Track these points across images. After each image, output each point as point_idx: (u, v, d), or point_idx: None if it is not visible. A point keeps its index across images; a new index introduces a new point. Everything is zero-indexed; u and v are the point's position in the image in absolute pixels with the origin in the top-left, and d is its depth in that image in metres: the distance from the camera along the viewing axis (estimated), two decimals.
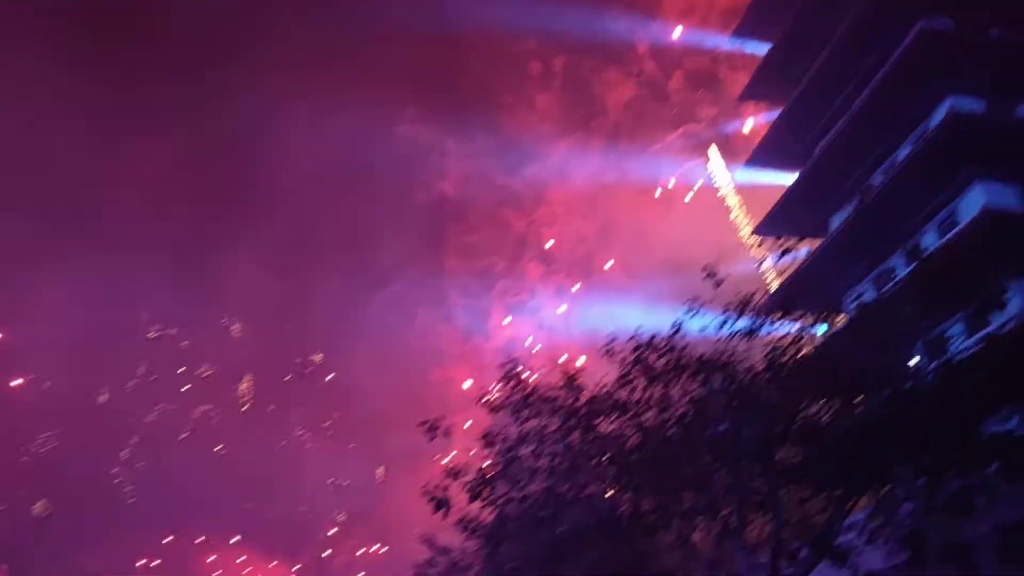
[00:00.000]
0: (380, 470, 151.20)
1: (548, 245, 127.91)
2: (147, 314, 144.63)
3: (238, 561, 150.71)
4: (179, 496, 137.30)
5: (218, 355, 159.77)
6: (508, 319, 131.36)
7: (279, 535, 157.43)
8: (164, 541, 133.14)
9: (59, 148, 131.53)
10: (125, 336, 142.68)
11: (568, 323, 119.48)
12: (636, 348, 15.64)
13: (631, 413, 15.55)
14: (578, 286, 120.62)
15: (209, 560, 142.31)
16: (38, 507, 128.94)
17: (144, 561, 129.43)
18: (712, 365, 15.03)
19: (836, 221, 28.97)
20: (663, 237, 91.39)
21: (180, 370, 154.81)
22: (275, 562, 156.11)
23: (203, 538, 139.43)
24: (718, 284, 15.80)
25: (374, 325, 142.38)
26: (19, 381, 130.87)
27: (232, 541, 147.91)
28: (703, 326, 15.80)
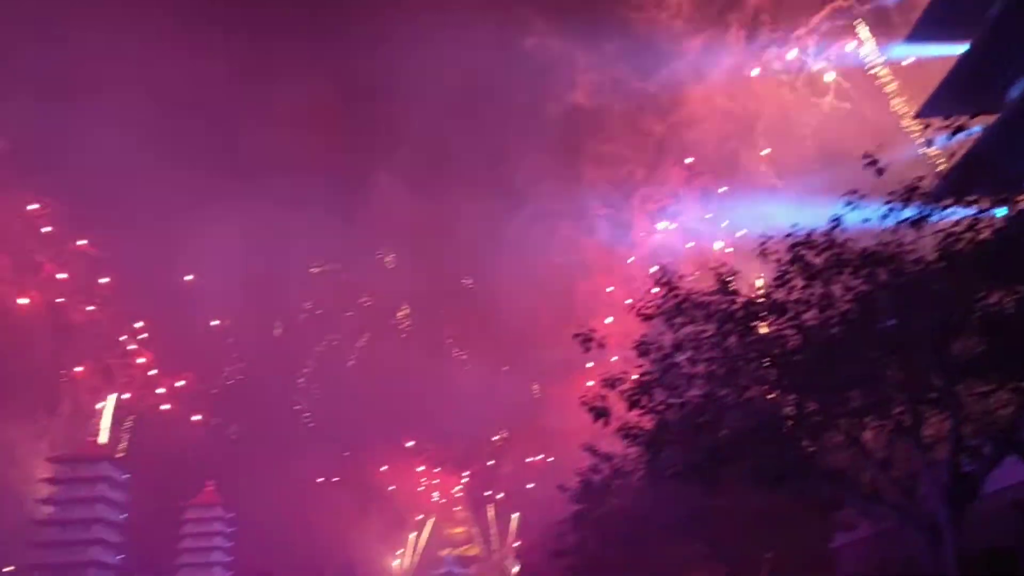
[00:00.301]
0: (536, 387, 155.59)
1: (689, 154, 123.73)
2: (308, 251, 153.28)
3: (413, 472, 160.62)
4: (351, 417, 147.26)
5: (376, 286, 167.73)
6: (654, 226, 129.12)
7: (447, 448, 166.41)
8: (342, 455, 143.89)
9: (213, 98, 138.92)
10: (291, 273, 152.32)
11: (715, 226, 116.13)
12: (792, 247, 15.01)
13: (790, 314, 15.06)
14: (724, 188, 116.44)
15: (382, 469, 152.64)
16: (232, 431, 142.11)
17: (322, 479, 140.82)
18: (877, 258, 14.22)
19: (1015, 92, 26.21)
20: (814, 128, 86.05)
21: (343, 302, 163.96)
22: (442, 472, 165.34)
23: (376, 452, 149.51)
24: (880, 172, 14.80)
25: (517, 242, 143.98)
26: (216, 322, 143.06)
27: (407, 445, 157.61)
28: (865, 218, 14.91)
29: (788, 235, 15.05)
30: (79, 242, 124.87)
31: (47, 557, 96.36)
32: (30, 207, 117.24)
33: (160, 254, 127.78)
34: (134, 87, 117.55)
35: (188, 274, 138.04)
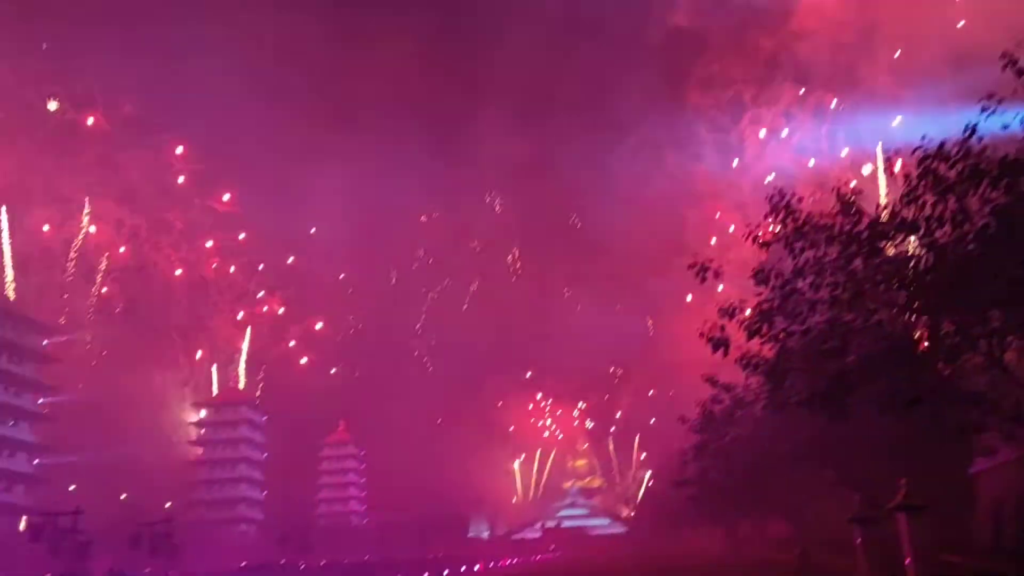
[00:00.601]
0: (650, 321, 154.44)
1: (801, 69, 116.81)
2: (418, 198, 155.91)
3: (531, 407, 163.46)
4: (468, 359, 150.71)
5: (485, 229, 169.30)
6: (765, 148, 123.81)
7: (564, 383, 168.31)
8: (462, 395, 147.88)
9: (316, 50, 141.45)
10: (402, 222, 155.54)
11: (834, 143, 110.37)
12: (922, 160, 14.10)
13: (921, 232, 14.24)
14: (841, 103, 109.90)
15: (500, 405, 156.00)
16: (357, 375, 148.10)
17: (443, 418, 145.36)
18: (1019, 167, 13.18)
19: None
20: (942, 29, 79.61)
21: (454, 248, 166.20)
22: (561, 406, 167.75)
23: (495, 390, 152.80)
24: (1020, 73, 13.60)
25: (623, 175, 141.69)
26: (343, 276, 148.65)
27: (526, 377, 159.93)
28: (1004, 125, 13.79)
29: (917, 148, 14.14)
30: (224, 197, 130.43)
31: (201, 494, 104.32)
32: (176, 150, 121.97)
33: (284, 207, 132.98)
34: (240, 46, 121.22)
35: (311, 227, 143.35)
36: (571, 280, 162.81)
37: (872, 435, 24.76)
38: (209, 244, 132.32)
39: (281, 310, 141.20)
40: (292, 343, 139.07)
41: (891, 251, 14.96)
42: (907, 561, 20.45)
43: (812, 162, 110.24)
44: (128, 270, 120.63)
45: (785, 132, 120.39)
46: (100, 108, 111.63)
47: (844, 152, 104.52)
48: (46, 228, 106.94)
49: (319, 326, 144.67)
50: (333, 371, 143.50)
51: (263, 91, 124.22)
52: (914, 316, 14.81)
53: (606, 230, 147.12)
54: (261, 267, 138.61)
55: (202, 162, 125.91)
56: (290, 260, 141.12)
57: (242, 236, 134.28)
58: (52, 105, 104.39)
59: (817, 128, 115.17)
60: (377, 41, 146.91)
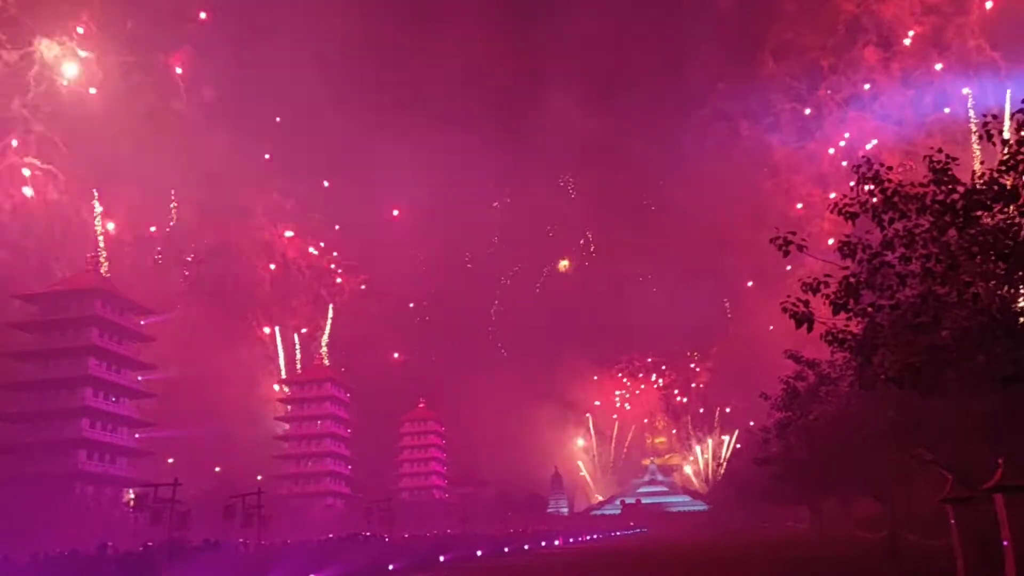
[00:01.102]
0: (726, 301, 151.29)
1: (885, 33, 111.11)
2: (490, 182, 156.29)
3: (609, 385, 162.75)
4: (545, 340, 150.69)
5: (558, 213, 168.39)
6: (847, 117, 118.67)
7: (642, 361, 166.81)
8: (539, 375, 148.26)
9: (381, 36, 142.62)
10: (474, 207, 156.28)
11: (920, 109, 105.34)
12: (1022, 125, 13.39)
13: (1021, 200, 13.55)
14: (937, 66, 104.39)
15: (576, 383, 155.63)
16: (433, 355, 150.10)
17: (519, 395, 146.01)
18: None
19: None
20: None
21: (528, 232, 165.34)
22: (639, 386, 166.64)
23: (571, 368, 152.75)
24: None
25: (697, 147, 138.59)
26: (419, 259, 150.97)
27: (603, 355, 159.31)
28: None
29: (1018, 111, 13.42)
30: (301, 182, 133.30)
31: (288, 468, 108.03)
32: (255, 134, 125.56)
33: (358, 191, 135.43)
34: (312, 32, 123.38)
35: (394, 209, 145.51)
36: (646, 259, 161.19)
37: (967, 413, 23.85)
38: (289, 234, 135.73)
39: (362, 286, 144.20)
40: (371, 322, 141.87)
41: (988, 221, 14.29)
42: (1005, 544, 19.71)
43: (894, 130, 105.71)
44: (213, 252, 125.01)
45: (867, 100, 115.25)
46: (182, 94, 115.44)
47: (932, 118, 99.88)
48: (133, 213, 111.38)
49: (393, 306, 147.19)
50: (408, 347, 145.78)
51: (335, 77, 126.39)
52: (1013, 288, 14.14)
53: (680, 208, 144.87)
54: (335, 254, 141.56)
55: (280, 147, 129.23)
56: (373, 242, 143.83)
57: (335, 228, 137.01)
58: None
59: (902, 94, 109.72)
60: (444, 23, 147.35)
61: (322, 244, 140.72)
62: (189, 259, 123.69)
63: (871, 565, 30.22)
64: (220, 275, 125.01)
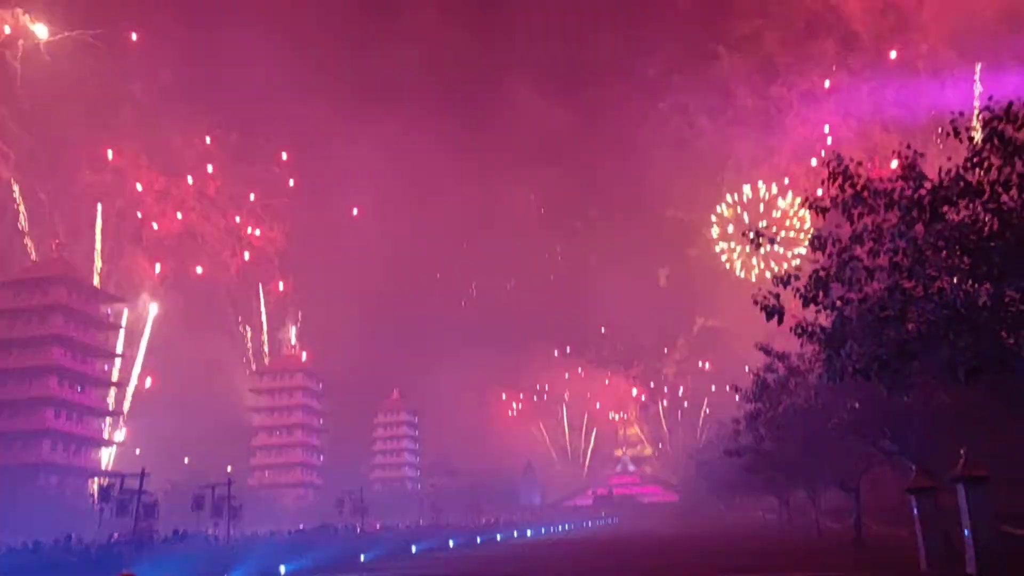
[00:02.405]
0: (700, 319, 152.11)
1: (844, 26, 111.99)
2: (452, 173, 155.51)
3: (579, 376, 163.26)
4: (514, 333, 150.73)
5: (521, 203, 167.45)
6: (806, 111, 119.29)
7: (612, 353, 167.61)
8: (509, 367, 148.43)
9: (340, 21, 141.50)
10: (440, 197, 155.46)
11: (881, 104, 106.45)
12: (988, 121, 13.62)
13: (986, 196, 13.78)
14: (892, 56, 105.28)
15: (546, 375, 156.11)
16: (405, 349, 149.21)
17: (490, 390, 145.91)
18: None
19: None
20: None
21: (495, 230, 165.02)
22: (609, 372, 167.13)
23: (542, 360, 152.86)
24: None
25: (657, 138, 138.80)
26: (382, 247, 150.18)
27: (571, 348, 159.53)
28: None
29: (984, 109, 13.64)
30: (265, 164, 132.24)
31: (259, 459, 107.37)
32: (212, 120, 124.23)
33: (320, 177, 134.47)
34: (274, 18, 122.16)
35: (346, 197, 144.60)
36: (612, 251, 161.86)
37: (931, 405, 24.33)
38: (253, 232, 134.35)
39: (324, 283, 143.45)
40: (340, 314, 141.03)
41: (954, 217, 14.53)
42: (966, 533, 20.14)
43: (855, 125, 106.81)
44: (176, 238, 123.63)
45: (827, 92, 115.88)
46: (141, 78, 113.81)
47: (893, 113, 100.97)
48: (94, 198, 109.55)
49: (363, 297, 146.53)
50: (379, 345, 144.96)
51: (295, 65, 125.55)
52: (977, 283, 14.39)
53: (642, 201, 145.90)
54: (310, 243, 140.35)
55: (240, 133, 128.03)
56: (336, 236, 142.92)
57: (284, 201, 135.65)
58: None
59: (863, 86, 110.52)
60: (405, 12, 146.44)
61: (286, 230, 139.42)
62: (151, 246, 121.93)
63: (836, 553, 30.73)
64: (183, 263, 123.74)
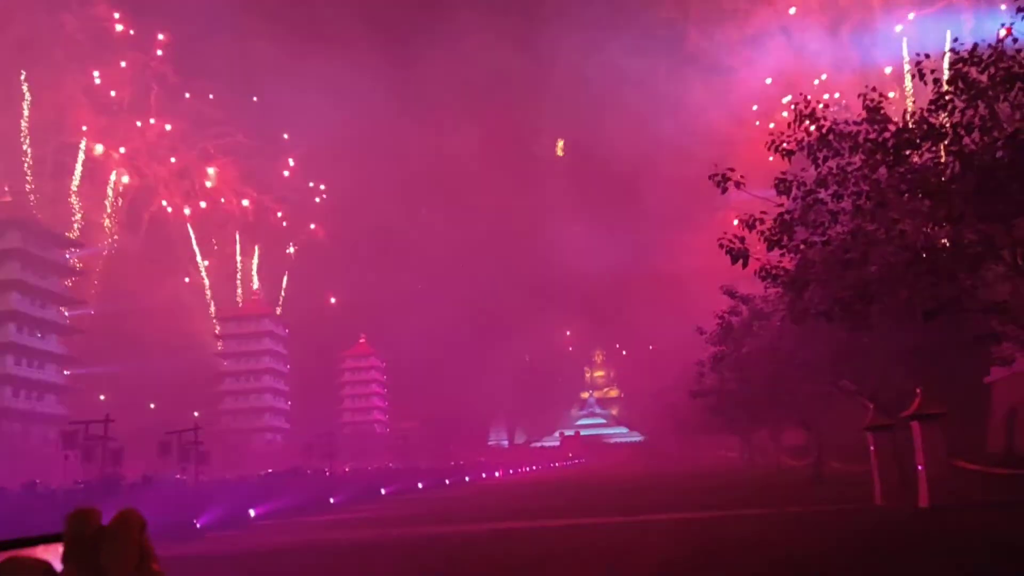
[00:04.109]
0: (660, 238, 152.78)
1: None
2: (403, 116, 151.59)
3: (542, 317, 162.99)
4: (475, 275, 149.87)
5: (471, 150, 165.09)
6: (760, 54, 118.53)
7: (577, 297, 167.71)
8: (469, 312, 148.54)
9: None
10: (393, 140, 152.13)
11: (841, 46, 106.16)
12: (953, 63, 13.66)
13: (948, 139, 13.89)
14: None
15: (513, 318, 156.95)
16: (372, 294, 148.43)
17: (459, 332, 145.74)
18: None
19: None
20: None
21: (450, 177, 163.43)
22: (576, 320, 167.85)
23: (502, 302, 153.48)
24: None
25: (613, 79, 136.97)
26: (338, 186, 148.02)
27: (537, 290, 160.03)
28: None
29: (949, 51, 13.67)
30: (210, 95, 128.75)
31: (227, 404, 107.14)
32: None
33: (262, 117, 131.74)
34: None
35: (290, 138, 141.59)
36: (566, 195, 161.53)
37: (890, 345, 24.84)
38: (211, 171, 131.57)
39: (284, 223, 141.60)
40: (304, 259, 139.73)
41: (917, 160, 14.64)
42: (920, 468, 20.80)
43: (814, 66, 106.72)
44: (133, 182, 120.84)
45: (784, 33, 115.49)
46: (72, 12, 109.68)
47: (857, 57, 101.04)
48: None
49: (321, 235, 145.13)
50: (345, 290, 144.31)
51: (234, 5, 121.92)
52: (937, 226, 14.60)
53: (601, 146, 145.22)
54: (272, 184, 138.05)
55: (182, 75, 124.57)
56: (287, 172, 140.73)
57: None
58: None
59: (823, 26, 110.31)
60: None
61: (242, 170, 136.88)
62: (109, 192, 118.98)
63: (796, 488, 31.64)
64: (142, 207, 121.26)
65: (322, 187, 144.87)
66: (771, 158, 15.81)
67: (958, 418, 25.47)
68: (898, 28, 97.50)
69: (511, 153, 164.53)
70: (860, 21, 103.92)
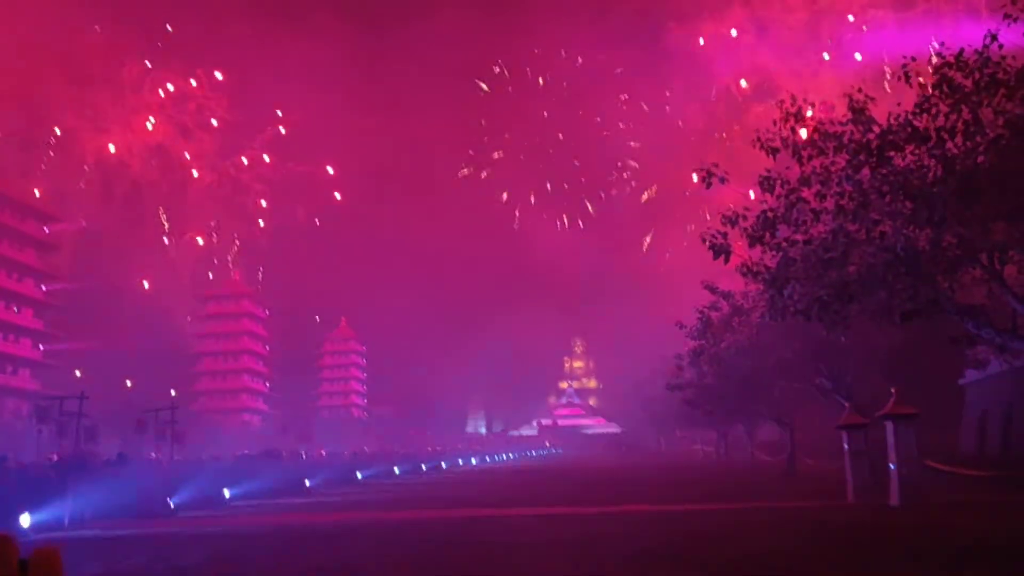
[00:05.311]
0: (648, 237, 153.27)
1: None
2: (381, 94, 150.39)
3: (523, 308, 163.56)
4: (456, 266, 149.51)
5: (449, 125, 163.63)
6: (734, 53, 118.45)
7: (558, 287, 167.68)
8: (452, 302, 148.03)
9: None
10: (368, 118, 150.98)
11: (833, 48, 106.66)
12: (938, 68, 13.74)
13: (932, 142, 14.00)
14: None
15: (492, 306, 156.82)
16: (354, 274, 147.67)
17: (437, 320, 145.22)
18: None
19: None
20: None
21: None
22: (556, 310, 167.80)
23: (485, 295, 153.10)
24: None
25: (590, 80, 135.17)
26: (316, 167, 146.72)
27: (517, 280, 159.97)
28: None
29: (934, 55, 13.75)
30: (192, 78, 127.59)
31: (204, 384, 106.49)
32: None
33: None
34: None
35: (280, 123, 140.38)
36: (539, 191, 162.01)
37: (867, 345, 25.08)
38: (190, 150, 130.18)
39: (262, 202, 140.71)
40: (284, 240, 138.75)
41: (900, 162, 14.74)
42: (891, 467, 21.07)
43: (810, 66, 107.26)
44: (109, 157, 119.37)
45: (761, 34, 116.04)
46: None
47: (842, 57, 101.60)
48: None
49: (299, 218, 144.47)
50: (325, 271, 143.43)
51: None
52: (917, 228, 14.72)
53: (581, 139, 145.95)
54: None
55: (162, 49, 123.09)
56: (266, 158, 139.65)
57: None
58: None
59: (801, 35, 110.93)
60: None
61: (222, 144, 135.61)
62: (85, 166, 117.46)
63: (769, 483, 31.95)
64: (118, 182, 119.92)
65: (302, 169, 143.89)
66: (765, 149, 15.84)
67: (931, 419, 25.80)
68: (865, 28, 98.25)
69: (491, 143, 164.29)
70: (838, 20, 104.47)
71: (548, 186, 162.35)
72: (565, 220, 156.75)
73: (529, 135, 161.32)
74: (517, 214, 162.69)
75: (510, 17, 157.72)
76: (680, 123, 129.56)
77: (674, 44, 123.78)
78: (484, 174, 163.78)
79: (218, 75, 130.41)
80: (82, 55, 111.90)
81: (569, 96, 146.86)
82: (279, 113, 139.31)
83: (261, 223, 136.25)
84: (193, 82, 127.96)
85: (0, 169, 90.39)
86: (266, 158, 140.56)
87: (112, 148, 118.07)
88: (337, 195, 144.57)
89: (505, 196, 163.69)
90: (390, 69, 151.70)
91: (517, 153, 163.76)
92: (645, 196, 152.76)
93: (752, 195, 16.04)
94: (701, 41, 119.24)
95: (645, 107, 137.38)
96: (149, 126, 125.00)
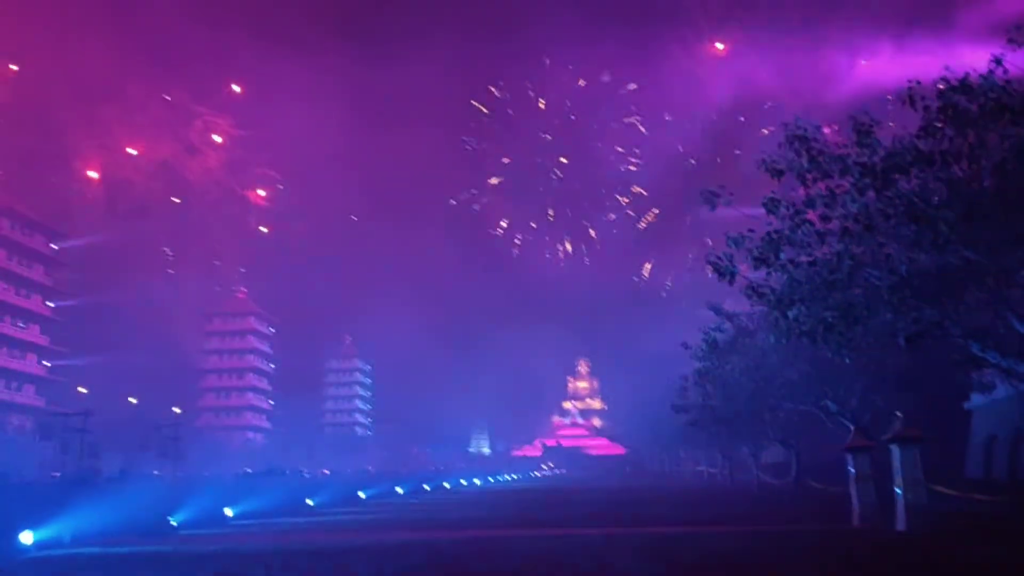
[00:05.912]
0: (648, 265, 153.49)
1: None
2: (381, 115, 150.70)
3: (533, 332, 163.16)
4: (459, 284, 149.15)
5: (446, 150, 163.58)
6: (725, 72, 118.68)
7: (565, 306, 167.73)
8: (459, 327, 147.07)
9: None
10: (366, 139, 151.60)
11: (841, 69, 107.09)
12: (943, 93, 13.79)
13: (936, 166, 14.01)
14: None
15: (497, 326, 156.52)
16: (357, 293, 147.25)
17: (442, 339, 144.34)
18: None
19: None
20: None
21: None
22: (561, 330, 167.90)
23: (493, 318, 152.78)
24: None
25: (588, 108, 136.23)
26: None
27: (522, 299, 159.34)
28: None
29: (941, 79, 13.79)
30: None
31: (208, 401, 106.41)
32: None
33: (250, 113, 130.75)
34: None
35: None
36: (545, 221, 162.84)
37: (873, 368, 24.96)
38: (198, 167, 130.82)
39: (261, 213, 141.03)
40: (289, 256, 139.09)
41: (905, 185, 14.76)
42: (897, 491, 20.90)
43: (811, 87, 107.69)
44: (116, 174, 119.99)
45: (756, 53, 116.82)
46: None
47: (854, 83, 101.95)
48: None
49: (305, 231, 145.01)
50: (330, 289, 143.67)
51: None
52: (922, 252, 14.70)
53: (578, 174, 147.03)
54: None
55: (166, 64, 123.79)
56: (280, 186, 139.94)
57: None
58: None
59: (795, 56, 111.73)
60: None
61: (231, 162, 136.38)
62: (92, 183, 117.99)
63: (774, 506, 31.71)
64: (120, 196, 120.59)
65: (306, 186, 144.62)
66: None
67: (937, 443, 25.64)
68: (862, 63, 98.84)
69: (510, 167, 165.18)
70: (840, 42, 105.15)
71: (550, 212, 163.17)
72: (568, 246, 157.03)
73: (531, 157, 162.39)
74: (518, 240, 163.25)
75: (510, 39, 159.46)
76: (680, 148, 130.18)
77: (674, 67, 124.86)
78: (486, 200, 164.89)
79: (235, 87, 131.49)
80: (89, 73, 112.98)
81: (571, 120, 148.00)
82: (284, 132, 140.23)
83: (264, 230, 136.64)
84: (198, 102, 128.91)
85: (8, 185, 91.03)
86: (272, 174, 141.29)
87: (118, 164, 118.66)
88: (354, 217, 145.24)
89: (505, 223, 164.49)
90: (393, 91, 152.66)
91: (518, 177, 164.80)
92: (643, 224, 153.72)
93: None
94: (703, 61, 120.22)
95: (643, 130, 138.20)
96: (155, 143, 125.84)
